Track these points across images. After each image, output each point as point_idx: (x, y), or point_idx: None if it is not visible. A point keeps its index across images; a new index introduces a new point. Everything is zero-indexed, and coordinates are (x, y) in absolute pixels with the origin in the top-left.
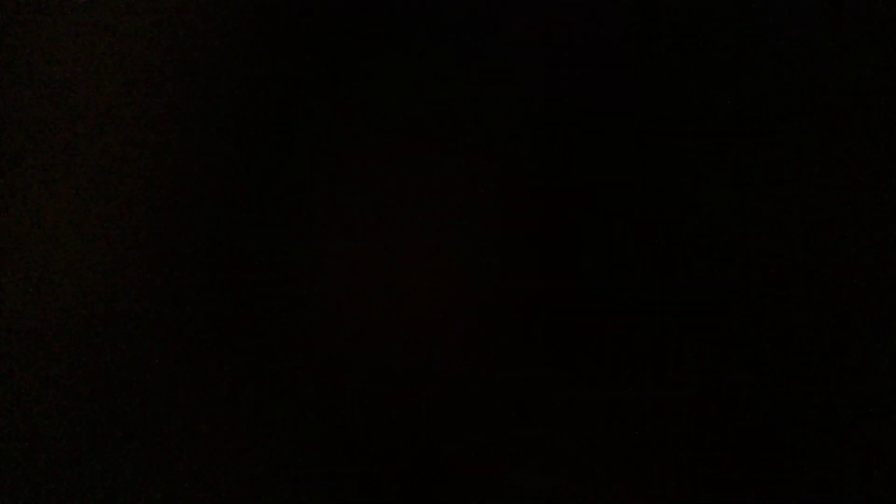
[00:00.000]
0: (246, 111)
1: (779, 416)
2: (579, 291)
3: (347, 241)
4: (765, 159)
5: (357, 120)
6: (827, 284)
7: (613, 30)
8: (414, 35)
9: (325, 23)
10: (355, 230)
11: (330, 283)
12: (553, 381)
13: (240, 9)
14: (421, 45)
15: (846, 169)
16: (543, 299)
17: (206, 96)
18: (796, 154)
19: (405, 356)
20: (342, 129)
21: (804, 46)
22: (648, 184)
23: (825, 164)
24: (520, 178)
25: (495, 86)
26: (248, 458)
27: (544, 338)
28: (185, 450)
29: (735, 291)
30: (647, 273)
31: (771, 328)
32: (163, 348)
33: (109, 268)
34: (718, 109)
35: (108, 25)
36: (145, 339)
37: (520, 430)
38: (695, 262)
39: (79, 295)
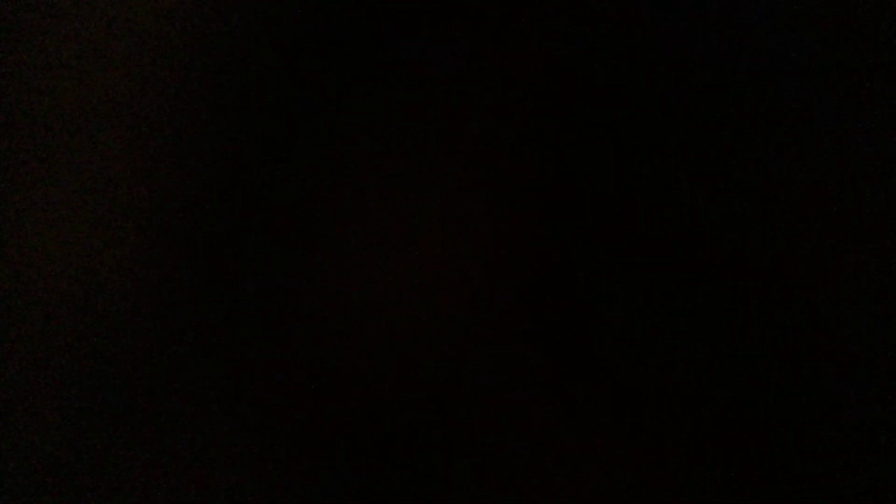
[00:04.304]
0: (246, 111)
1: (778, 417)
2: (579, 291)
3: (347, 242)
4: (765, 160)
5: (357, 119)
6: (825, 284)
7: (613, 29)
8: (414, 35)
9: (325, 22)
10: (355, 230)
11: (329, 283)
12: (553, 381)
13: (240, 8)
14: (420, 45)
15: (846, 169)
16: (543, 299)
17: (207, 96)
18: (796, 154)
19: (405, 356)
20: (342, 129)
21: (803, 46)
22: (648, 184)
23: (824, 164)
24: (520, 178)
25: (495, 86)
26: (247, 457)
27: (544, 337)
28: (185, 449)
29: (734, 291)
30: (648, 273)
31: (771, 328)
32: (161, 348)
33: (108, 267)
34: (719, 109)
35: (109, 24)
36: (144, 338)
37: (520, 431)
38: (695, 261)
39: (77, 294)
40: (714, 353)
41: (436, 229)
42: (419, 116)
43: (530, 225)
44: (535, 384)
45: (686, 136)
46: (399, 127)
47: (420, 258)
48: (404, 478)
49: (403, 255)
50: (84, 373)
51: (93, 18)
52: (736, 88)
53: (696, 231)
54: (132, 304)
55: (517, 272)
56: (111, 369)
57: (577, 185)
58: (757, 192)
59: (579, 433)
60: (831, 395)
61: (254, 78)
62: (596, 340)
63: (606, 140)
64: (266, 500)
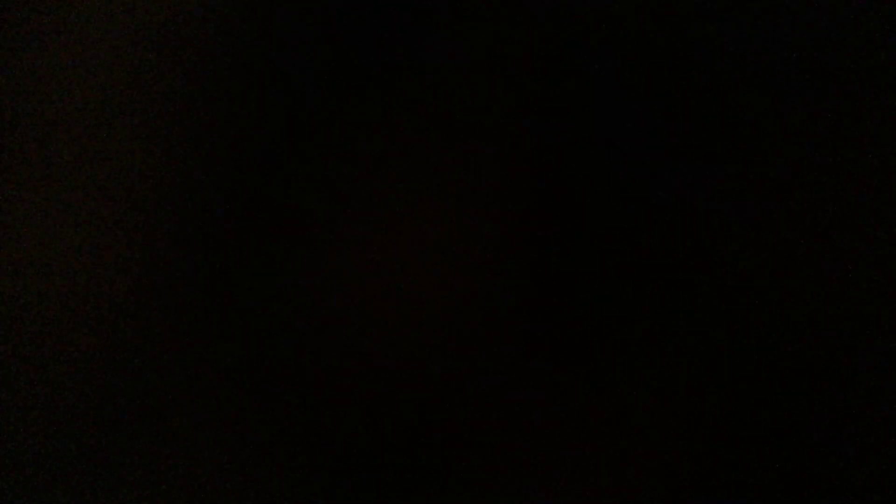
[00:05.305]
0: (246, 111)
1: (778, 417)
2: (579, 291)
3: (348, 242)
4: (765, 159)
5: (357, 120)
6: (825, 284)
7: (612, 29)
8: (413, 35)
9: (324, 22)
10: (355, 230)
11: (330, 283)
12: (553, 380)
13: (240, 8)
14: (420, 45)
15: (846, 169)
16: (543, 299)
17: (207, 96)
18: (796, 154)
19: (405, 356)
20: (342, 129)
21: (804, 47)
22: (648, 184)
23: (825, 164)
24: (520, 177)
25: (494, 86)
26: (247, 457)
27: (544, 337)
28: (185, 449)
29: (735, 291)
30: (647, 273)
31: (771, 328)
32: (162, 348)
33: (108, 267)
34: (718, 109)
35: (109, 24)
36: (145, 338)
37: (519, 431)
38: (695, 262)
39: (77, 294)
40: (714, 353)
41: (436, 229)
42: (419, 116)
43: (530, 225)
44: (535, 384)
45: (686, 135)
46: (399, 127)
47: (420, 258)
48: (404, 478)
49: (403, 255)
50: (84, 373)
51: (93, 18)
52: (736, 88)
53: (696, 231)
54: (132, 304)
55: (517, 272)
56: (110, 369)
57: (577, 185)
58: (757, 192)
59: (579, 433)
60: (831, 395)
61: (254, 78)
62: (596, 340)
63: (606, 140)
64: (266, 500)
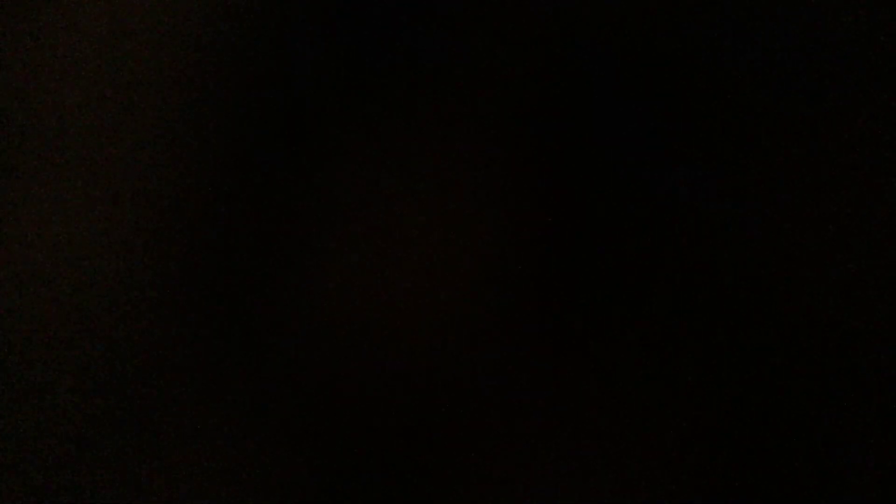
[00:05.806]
0: (246, 111)
1: (778, 417)
2: (579, 292)
3: (347, 242)
4: (765, 160)
5: (357, 120)
6: (826, 284)
7: (612, 29)
8: (413, 35)
9: (324, 22)
10: (355, 230)
11: (330, 283)
12: (553, 381)
13: (240, 8)
14: (420, 45)
15: (846, 169)
16: (543, 299)
17: (207, 96)
18: (796, 154)
19: (405, 356)
20: (342, 129)
21: (804, 46)
22: (648, 183)
23: (825, 164)
24: (519, 177)
25: (494, 86)
26: (247, 458)
27: (545, 338)
28: (185, 450)
29: (734, 292)
30: (648, 273)
31: (770, 328)
32: (162, 348)
33: (107, 267)
34: (718, 109)
35: (108, 24)
36: (145, 339)
37: (520, 431)
38: (695, 262)
39: (78, 294)
40: (714, 353)
41: (436, 229)
42: (419, 116)
43: (530, 225)
44: (535, 384)
45: (686, 135)
46: (399, 127)
47: (420, 258)
48: (404, 478)
49: (403, 256)
50: (85, 372)
51: (93, 17)
52: (735, 88)
53: (696, 231)
54: (132, 304)
55: (517, 272)
56: (110, 370)
57: (577, 185)
58: (757, 192)
59: (579, 433)
60: (831, 394)
61: (254, 78)
62: (596, 340)
63: (606, 140)
64: (266, 500)
